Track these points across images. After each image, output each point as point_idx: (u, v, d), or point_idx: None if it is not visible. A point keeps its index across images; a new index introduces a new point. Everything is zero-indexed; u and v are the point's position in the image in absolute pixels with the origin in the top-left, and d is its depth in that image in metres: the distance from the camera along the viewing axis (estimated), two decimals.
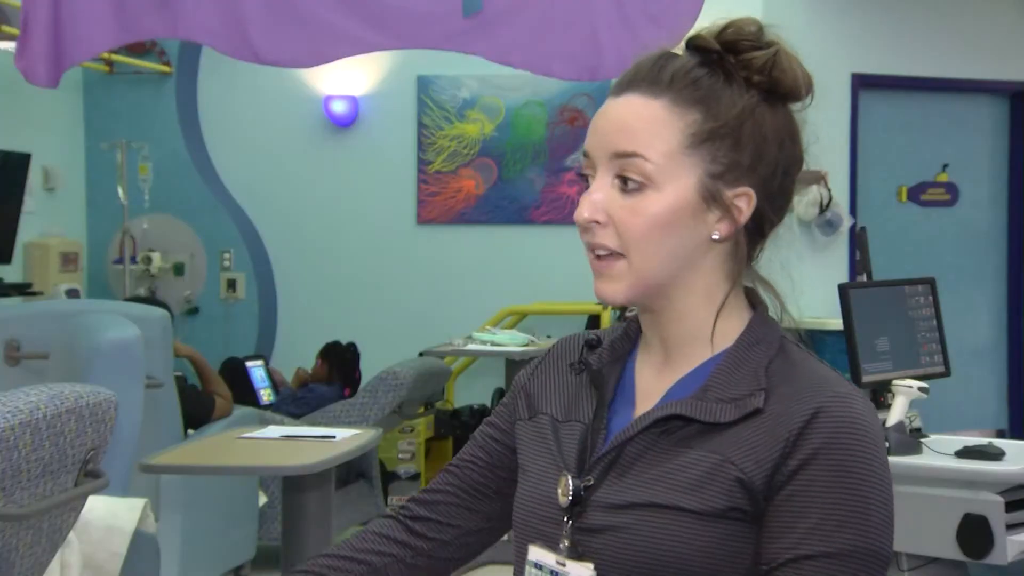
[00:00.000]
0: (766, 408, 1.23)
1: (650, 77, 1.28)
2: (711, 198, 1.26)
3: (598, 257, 1.29)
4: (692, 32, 1.30)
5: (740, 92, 1.27)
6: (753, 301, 1.33)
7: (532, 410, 1.42)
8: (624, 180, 1.26)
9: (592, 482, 1.28)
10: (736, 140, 1.26)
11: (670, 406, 1.26)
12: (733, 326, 1.30)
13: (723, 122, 1.25)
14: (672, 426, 1.26)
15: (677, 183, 1.25)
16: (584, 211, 1.27)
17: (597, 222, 1.27)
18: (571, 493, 1.27)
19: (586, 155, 1.30)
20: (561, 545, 1.28)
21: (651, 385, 1.33)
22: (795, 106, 1.31)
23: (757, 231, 1.30)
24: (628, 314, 1.41)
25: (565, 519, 1.28)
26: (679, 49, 1.31)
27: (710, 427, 1.24)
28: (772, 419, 1.22)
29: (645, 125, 1.26)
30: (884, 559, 1.21)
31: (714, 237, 1.27)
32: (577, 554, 1.26)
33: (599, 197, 1.27)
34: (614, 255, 1.27)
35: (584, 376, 1.39)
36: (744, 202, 1.27)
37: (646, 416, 1.27)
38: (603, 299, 1.30)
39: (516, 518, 1.37)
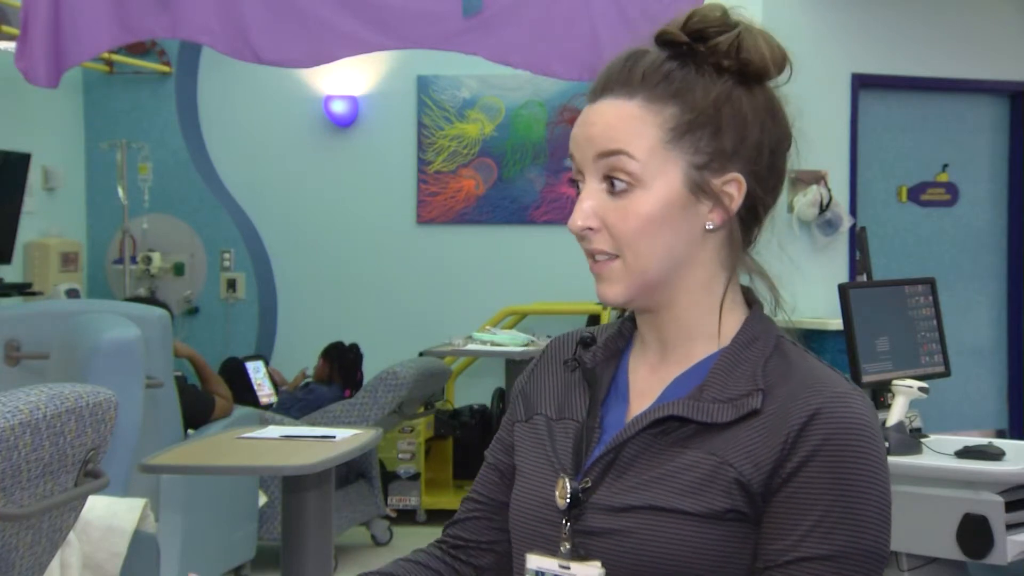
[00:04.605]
0: (764, 409, 1.22)
1: (622, 79, 1.28)
2: (699, 189, 1.26)
3: (597, 261, 1.29)
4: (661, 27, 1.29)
5: (713, 79, 1.26)
6: (749, 299, 1.33)
7: (529, 411, 1.42)
8: (612, 182, 1.26)
9: (589, 484, 1.27)
10: (716, 128, 1.25)
11: (667, 407, 1.25)
12: (730, 323, 1.30)
13: (700, 112, 1.25)
14: (669, 426, 1.25)
15: (663, 179, 1.25)
16: (577, 220, 1.28)
17: (591, 228, 1.27)
18: (569, 495, 1.27)
19: (572, 158, 1.31)
20: (562, 548, 1.27)
21: (646, 383, 1.32)
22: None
23: (752, 215, 1.30)
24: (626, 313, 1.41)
25: (564, 521, 1.27)
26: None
27: (707, 427, 1.24)
28: (770, 420, 1.21)
29: (624, 125, 1.26)
30: (880, 558, 1.20)
31: (708, 227, 1.27)
32: (580, 555, 1.26)
33: (589, 204, 1.27)
34: (610, 257, 1.27)
35: (577, 374, 1.38)
36: (734, 188, 1.27)
37: (643, 417, 1.26)
38: (604, 301, 1.30)
39: (513, 521, 1.36)
